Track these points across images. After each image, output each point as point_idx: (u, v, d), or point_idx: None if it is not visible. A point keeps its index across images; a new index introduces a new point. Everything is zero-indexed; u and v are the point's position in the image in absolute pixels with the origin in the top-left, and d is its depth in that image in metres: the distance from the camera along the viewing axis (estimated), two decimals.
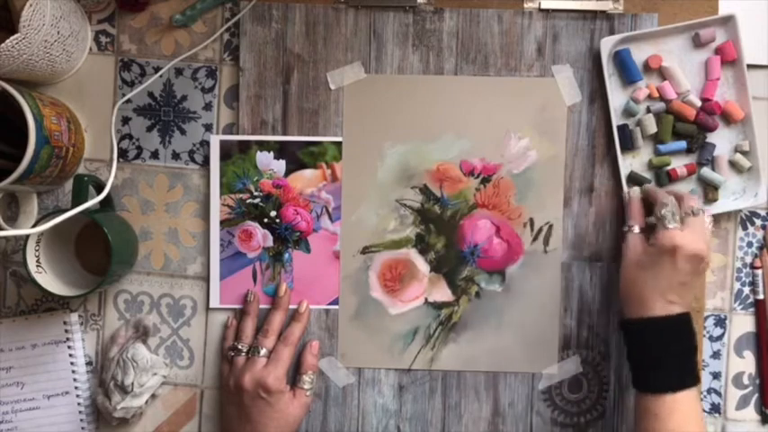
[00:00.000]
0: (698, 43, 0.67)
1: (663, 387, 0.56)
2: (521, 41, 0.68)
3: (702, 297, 0.68)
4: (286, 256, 0.68)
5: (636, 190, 0.64)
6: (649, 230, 0.61)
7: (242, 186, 0.68)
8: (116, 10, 0.69)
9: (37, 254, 0.63)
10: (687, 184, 0.67)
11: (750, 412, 0.69)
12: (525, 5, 0.68)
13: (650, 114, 0.66)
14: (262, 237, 0.68)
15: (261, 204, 0.68)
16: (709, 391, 0.69)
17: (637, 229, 0.61)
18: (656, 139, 0.67)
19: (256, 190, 0.68)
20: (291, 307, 0.68)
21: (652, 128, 0.66)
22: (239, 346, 0.66)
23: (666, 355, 0.57)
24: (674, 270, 0.56)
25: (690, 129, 0.66)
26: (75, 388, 0.68)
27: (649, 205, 0.62)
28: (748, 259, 0.69)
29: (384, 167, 0.68)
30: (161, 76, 0.68)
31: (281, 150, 0.68)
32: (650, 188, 0.63)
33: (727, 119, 0.67)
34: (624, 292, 0.60)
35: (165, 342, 0.69)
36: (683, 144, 0.66)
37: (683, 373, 0.57)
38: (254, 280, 0.68)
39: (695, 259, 0.57)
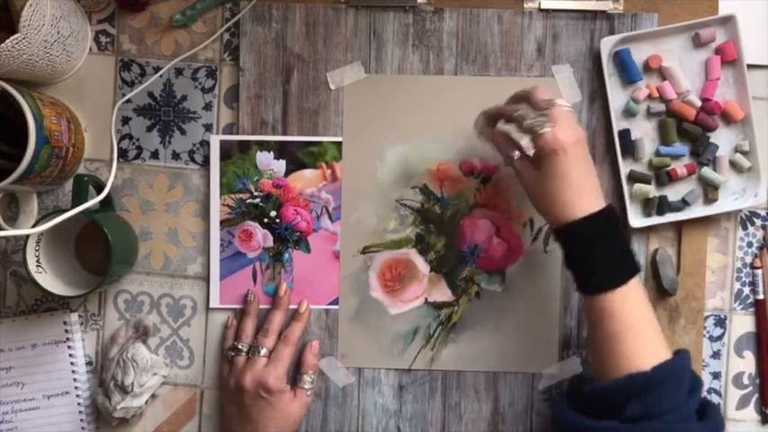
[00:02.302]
0: (698, 43, 0.67)
1: (612, 284, 0.55)
2: (521, 41, 0.68)
3: (702, 297, 0.68)
4: (286, 256, 0.68)
5: (484, 128, 0.62)
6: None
7: (242, 186, 0.68)
8: (116, 10, 0.69)
9: (37, 254, 0.63)
10: (687, 184, 0.67)
11: (750, 412, 0.69)
12: (525, 5, 0.68)
13: (652, 124, 0.67)
14: (262, 237, 0.68)
15: (261, 204, 0.68)
16: (710, 391, 0.69)
17: (517, 155, 0.59)
18: (659, 140, 0.67)
19: (256, 190, 0.68)
20: (291, 307, 0.68)
21: (655, 140, 0.67)
22: (239, 346, 0.66)
23: (605, 251, 0.55)
24: (571, 163, 0.56)
25: (694, 129, 0.66)
26: (76, 388, 0.68)
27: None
28: (748, 259, 0.69)
29: (384, 167, 0.68)
30: (161, 76, 0.68)
31: (281, 150, 0.68)
32: (492, 110, 0.62)
33: (727, 119, 0.67)
34: (542, 209, 0.58)
35: (165, 342, 0.69)
36: (684, 149, 0.66)
37: (625, 264, 0.56)
38: (254, 280, 0.68)
39: (581, 143, 0.56)
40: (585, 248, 0.56)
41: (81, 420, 0.68)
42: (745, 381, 0.69)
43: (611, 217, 0.56)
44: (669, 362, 0.53)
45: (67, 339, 0.68)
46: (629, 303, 0.55)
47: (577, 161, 0.56)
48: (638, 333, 0.54)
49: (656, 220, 0.67)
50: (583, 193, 0.56)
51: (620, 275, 0.55)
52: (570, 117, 0.57)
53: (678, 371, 0.54)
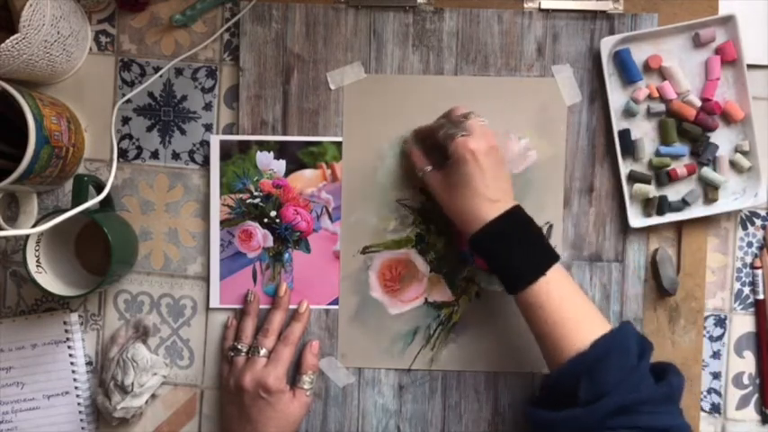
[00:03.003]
0: (698, 43, 0.67)
1: (532, 277, 0.56)
2: (521, 41, 0.68)
3: (702, 297, 0.68)
4: (286, 256, 0.68)
5: (409, 139, 0.66)
6: (438, 166, 0.62)
7: (242, 186, 0.68)
8: (116, 10, 0.69)
9: (37, 254, 0.63)
10: (687, 184, 0.67)
11: (750, 412, 0.69)
12: (525, 5, 0.68)
13: (652, 124, 0.67)
14: (262, 237, 0.68)
15: (261, 204, 0.68)
16: (710, 391, 0.69)
17: (429, 168, 0.63)
18: (659, 140, 0.67)
19: (256, 190, 0.68)
20: (291, 307, 0.68)
21: (655, 140, 0.67)
22: (239, 346, 0.66)
23: (521, 247, 0.57)
24: (481, 170, 0.58)
25: (694, 129, 0.66)
26: (76, 388, 0.68)
27: (430, 147, 0.65)
28: (748, 259, 0.69)
29: (384, 167, 0.68)
30: (161, 76, 0.69)
31: (281, 150, 0.68)
32: (419, 128, 0.66)
33: (727, 119, 0.67)
34: (455, 218, 0.61)
35: (165, 342, 0.69)
36: (684, 149, 0.66)
37: (541, 255, 0.58)
38: (254, 280, 0.68)
39: (492, 152, 0.59)
40: (501, 247, 0.58)
41: (81, 420, 0.68)
42: (745, 381, 0.69)
43: (519, 214, 0.58)
44: (607, 335, 0.54)
45: (67, 339, 0.68)
46: (554, 291, 0.56)
47: (487, 169, 0.58)
48: (571, 318, 0.56)
49: (656, 220, 0.67)
50: (491, 200, 0.58)
51: (539, 267, 0.57)
52: (484, 129, 0.60)
53: (620, 341, 0.54)
